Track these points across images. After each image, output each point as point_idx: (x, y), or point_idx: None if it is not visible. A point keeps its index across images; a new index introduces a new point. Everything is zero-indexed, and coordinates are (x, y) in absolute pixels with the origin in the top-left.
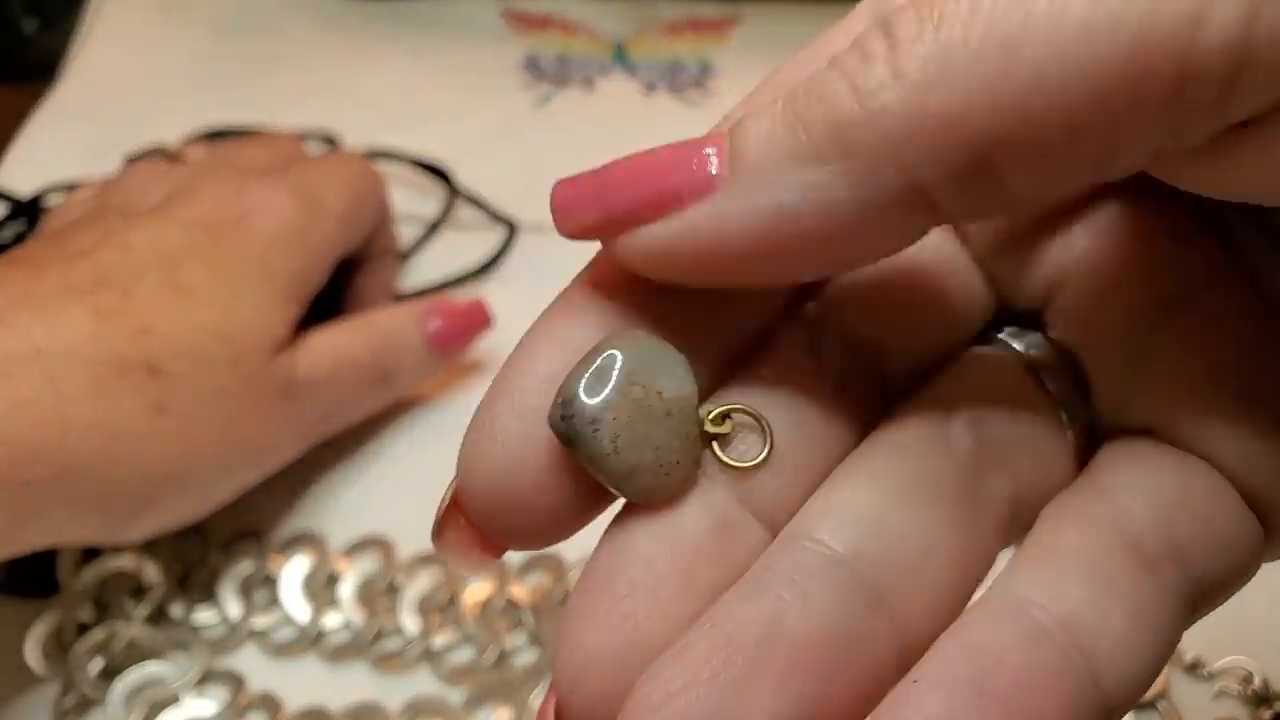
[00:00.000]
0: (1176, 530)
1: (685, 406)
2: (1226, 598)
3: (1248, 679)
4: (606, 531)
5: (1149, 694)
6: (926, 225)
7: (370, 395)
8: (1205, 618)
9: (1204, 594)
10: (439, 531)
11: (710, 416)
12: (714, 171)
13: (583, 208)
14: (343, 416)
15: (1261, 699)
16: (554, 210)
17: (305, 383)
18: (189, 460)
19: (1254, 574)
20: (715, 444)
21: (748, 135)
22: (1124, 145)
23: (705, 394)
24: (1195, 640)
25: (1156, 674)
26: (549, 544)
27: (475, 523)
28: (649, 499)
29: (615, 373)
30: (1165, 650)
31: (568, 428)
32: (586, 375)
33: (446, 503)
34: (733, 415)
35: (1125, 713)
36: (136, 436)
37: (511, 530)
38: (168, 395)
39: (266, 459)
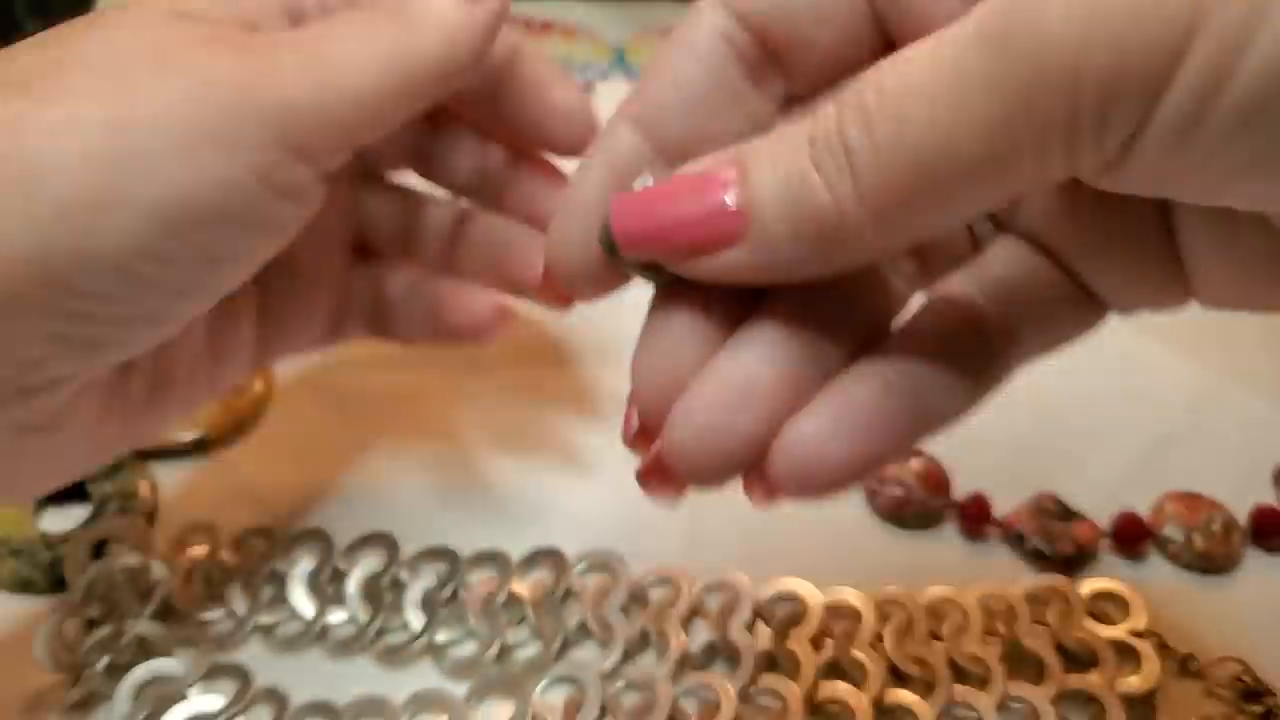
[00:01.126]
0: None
1: None
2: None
3: (1239, 676)
4: (654, 299)
5: (1142, 690)
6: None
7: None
8: (1200, 617)
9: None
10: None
11: None
12: (732, 206)
13: (643, 244)
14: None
15: (1252, 696)
16: (618, 235)
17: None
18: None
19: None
20: None
21: (760, 189)
22: (1021, 169)
23: None
24: (1188, 638)
25: None
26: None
27: (550, 278)
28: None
29: None
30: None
31: (608, 244)
32: None
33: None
34: None
35: None
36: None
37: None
38: None
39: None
